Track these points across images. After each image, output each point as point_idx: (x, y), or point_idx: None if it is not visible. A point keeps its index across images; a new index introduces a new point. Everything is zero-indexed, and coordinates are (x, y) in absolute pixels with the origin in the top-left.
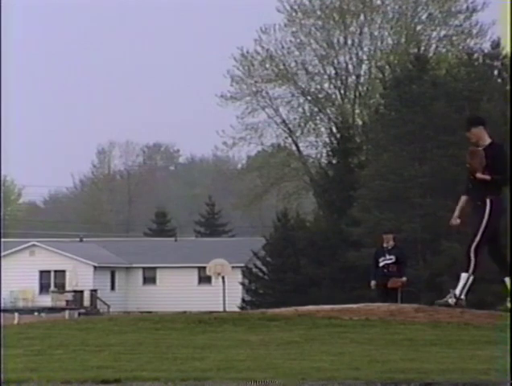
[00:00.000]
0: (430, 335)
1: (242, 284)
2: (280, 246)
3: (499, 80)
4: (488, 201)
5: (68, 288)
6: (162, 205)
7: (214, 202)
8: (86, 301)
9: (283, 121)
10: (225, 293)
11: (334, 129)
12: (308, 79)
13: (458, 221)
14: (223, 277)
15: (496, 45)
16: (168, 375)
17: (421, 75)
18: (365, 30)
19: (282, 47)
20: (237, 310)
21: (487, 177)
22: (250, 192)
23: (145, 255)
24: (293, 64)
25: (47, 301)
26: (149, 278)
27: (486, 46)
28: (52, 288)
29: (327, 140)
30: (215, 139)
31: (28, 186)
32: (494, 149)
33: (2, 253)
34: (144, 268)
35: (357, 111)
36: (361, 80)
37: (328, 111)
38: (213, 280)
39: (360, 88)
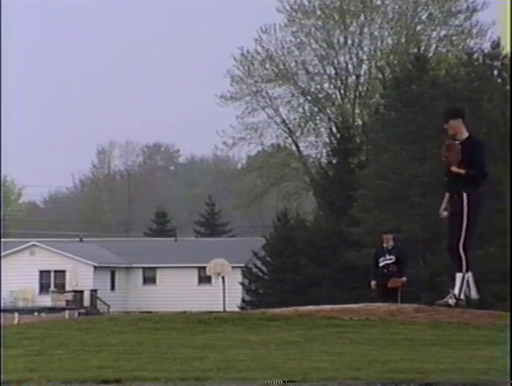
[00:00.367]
0: (430, 335)
1: (242, 284)
2: (280, 246)
3: (499, 80)
4: (464, 195)
5: (68, 288)
6: (162, 205)
7: (214, 202)
8: (86, 301)
9: (283, 121)
10: (225, 293)
11: (334, 129)
12: (308, 79)
13: (445, 214)
14: (223, 277)
15: (496, 45)
16: (168, 375)
17: (421, 76)
18: (365, 30)
19: (283, 47)
20: (237, 310)
21: (462, 171)
22: (250, 192)
23: (145, 255)
24: (293, 64)
25: (47, 301)
26: (149, 278)
27: (486, 46)
28: (52, 288)
29: (327, 140)
30: (215, 139)
31: (28, 186)
32: (471, 143)
33: (2, 253)
34: (144, 269)
35: (357, 111)
36: (361, 80)
37: (328, 111)
38: (213, 280)
39: (360, 88)
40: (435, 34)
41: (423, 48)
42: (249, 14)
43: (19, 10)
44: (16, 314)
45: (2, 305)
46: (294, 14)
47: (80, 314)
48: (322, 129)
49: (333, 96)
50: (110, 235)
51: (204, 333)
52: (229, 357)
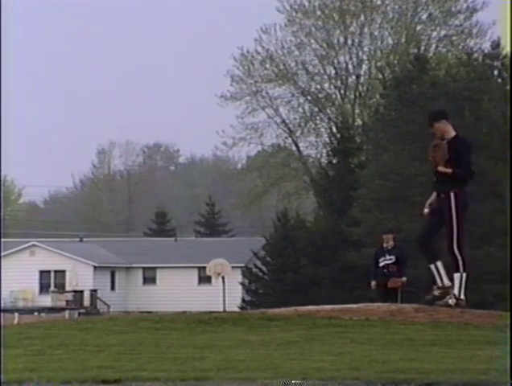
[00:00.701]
0: (430, 335)
1: (242, 284)
2: (280, 246)
3: (499, 80)
4: (452, 194)
5: (68, 288)
6: (162, 205)
7: (214, 202)
8: (86, 301)
9: (283, 121)
10: (225, 293)
11: (334, 129)
12: (308, 79)
13: (426, 211)
14: (223, 277)
15: (496, 45)
16: (168, 375)
17: (421, 76)
18: (365, 30)
19: (283, 47)
20: (237, 310)
21: (448, 170)
22: (250, 192)
23: (145, 255)
24: (293, 64)
25: (47, 301)
26: (149, 278)
27: (486, 46)
28: (52, 288)
29: (327, 140)
30: (215, 139)
31: (28, 186)
32: (458, 142)
33: (2, 253)
34: (144, 268)
35: (357, 111)
36: (361, 80)
37: (328, 111)
38: (213, 280)
39: (360, 88)
40: (435, 34)
41: (423, 48)
42: (249, 14)
43: (19, 10)
44: (16, 314)
45: (2, 305)
46: (294, 14)
47: (80, 314)
48: (322, 129)
49: (333, 96)
50: (110, 235)
51: (204, 333)
52: (229, 357)
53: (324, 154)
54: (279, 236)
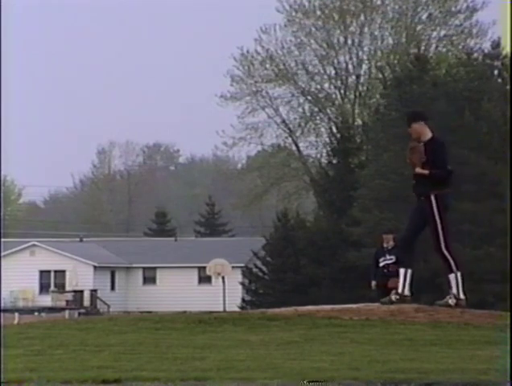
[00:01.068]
0: (430, 335)
1: (242, 284)
2: (280, 246)
3: (499, 80)
4: (432, 197)
5: (68, 288)
6: (162, 205)
7: (214, 202)
8: (86, 301)
9: (283, 121)
10: (225, 293)
11: (334, 129)
12: (308, 79)
13: None
14: (223, 277)
15: (496, 45)
16: (168, 375)
17: (421, 76)
18: (365, 30)
19: (283, 47)
20: (237, 309)
21: (425, 171)
22: (250, 192)
23: (145, 255)
24: (293, 64)
25: (47, 301)
26: (149, 278)
27: (486, 46)
28: (52, 288)
29: (327, 140)
30: (215, 139)
31: (28, 186)
32: (434, 143)
33: (2, 253)
34: (144, 268)
35: (357, 111)
36: (361, 80)
37: (328, 111)
38: (213, 280)
39: (360, 88)
40: (435, 34)
41: (423, 48)
42: (249, 14)
43: (19, 10)
44: (16, 314)
45: (2, 305)
46: (294, 14)
47: (80, 314)
48: (322, 129)
49: (333, 96)
50: (110, 235)
51: (204, 333)
52: (229, 357)
53: (324, 154)
54: (279, 236)
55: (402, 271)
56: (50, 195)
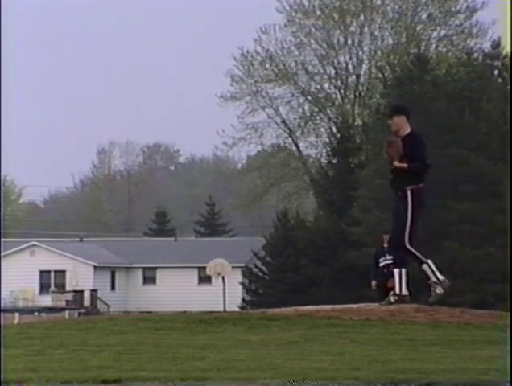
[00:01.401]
0: (430, 335)
1: (242, 284)
2: (280, 246)
3: (499, 80)
4: (408, 191)
5: (68, 288)
6: (162, 205)
7: (214, 202)
8: (86, 301)
9: (283, 121)
10: (225, 293)
11: (334, 129)
12: (308, 79)
13: None
14: (223, 277)
15: (496, 45)
16: (168, 375)
17: (421, 75)
18: (365, 30)
19: (282, 47)
20: (237, 309)
21: (404, 165)
22: (250, 192)
23: (145, 255)
24: (293, 64)
25: (47, 301)
26: (149, 278)
27: (486, 46)
28: (52, 288)
29: (327, 140)
30: (215, 139)
31: (28, 186)
32: (412, 138)
33: (2, 253)
34: (144, 269)
35: (357, 111)
36: (361, 80)
37: (328, 111)
38: (213, 280)
39: (360, 88)
40: (435, 34)
41: (423, 48)
42: (249, 14)
43: (19, 10)
44: (16, 314)
45: (2, 305)
46: (293, 14)
47: (80, 314)
48: (322, 129)
49: (333, 96)
50: (110, 235)
51: (204, 333)
52: (229, 357)
53: (324, 154)
54: (279, 236)
55: (396, 271)
56: (50, 195)
